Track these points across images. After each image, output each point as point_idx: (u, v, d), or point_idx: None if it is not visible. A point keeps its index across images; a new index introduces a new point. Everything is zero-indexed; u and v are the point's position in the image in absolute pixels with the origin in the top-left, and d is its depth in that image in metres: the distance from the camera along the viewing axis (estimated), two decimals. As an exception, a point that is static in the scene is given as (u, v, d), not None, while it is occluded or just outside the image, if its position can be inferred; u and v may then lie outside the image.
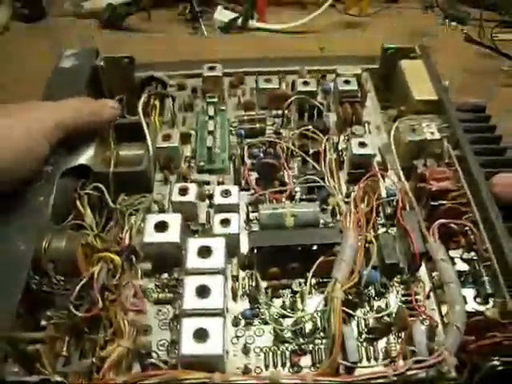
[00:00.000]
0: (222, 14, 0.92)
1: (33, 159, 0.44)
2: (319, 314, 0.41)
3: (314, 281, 0.43)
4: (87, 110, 0.48)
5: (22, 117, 0.44)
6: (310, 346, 0.40)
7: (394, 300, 0.42)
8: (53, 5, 0.99)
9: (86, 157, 0.48)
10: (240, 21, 0.91)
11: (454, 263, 0.43)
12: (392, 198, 0.47)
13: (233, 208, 0.45)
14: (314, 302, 0.41)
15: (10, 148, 0.42)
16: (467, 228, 0.45)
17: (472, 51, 0.86)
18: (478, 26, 0.88)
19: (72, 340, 0.40)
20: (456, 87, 0.69)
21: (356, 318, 0.41)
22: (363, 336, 0.41)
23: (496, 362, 0.36)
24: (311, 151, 0.51)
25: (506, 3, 0.92)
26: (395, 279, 0.44)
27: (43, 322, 0.39)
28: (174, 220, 0.43)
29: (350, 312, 0.40)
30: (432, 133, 0.51)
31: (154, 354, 0.39)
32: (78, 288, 0.40)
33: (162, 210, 0.48)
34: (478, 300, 0.42)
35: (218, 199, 0.46)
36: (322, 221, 0.47)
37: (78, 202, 0.46)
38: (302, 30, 0.91)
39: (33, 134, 0.43)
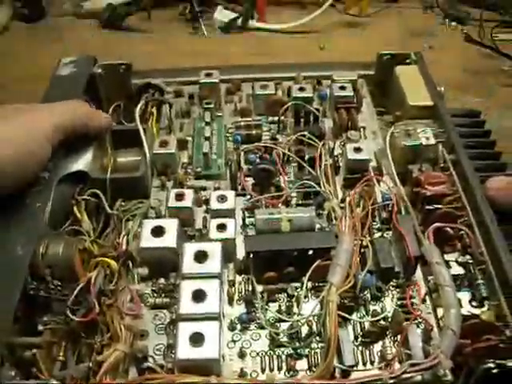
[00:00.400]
0: (222, 14, 0.93)
1: (35, 163, 0.44)
2: (315, 318, 0.41)
3: (309, 285, 0.43)
4: (84, 113, 0.49)
5: (22, 119, 0.44)
6: (306, 349, 0.40)
7: (389, 304, 0.43)
8: (53, 5, 0.99)
9: (83, 163, 0.48)
10: (240, 21, 0.92)
11: (449, 267, 0.43)
12: (387, 202, 0.48)
13: (229, 213, 0.46)
14: (309, 306, 0.42)
15: (13, 152, 0.42)
16: (462, 232, 0.45)
17: (472, 51, 0.86)
18: (478, 25, 0.88)
19: (69, 345, 0.40)
20: (456, 87, 0.69)
21: (352, 321, 0.41)
22: (359, 340, 0.41)
23: (491, 365, 0.36)
24: (307, 157, 0.51)
25: (506, 3, 0.92)
26: (391, 283, 0.44)
27: (40, 327, 0.39)
28: (171, 225, 0.44)
29: (346, 316, 0.40)
30: (427, 138, 0.51)
31: (150, 359, 0.39)
32: (75, 293, 0.40)
33: (158, 216, 0.48)
34: (474, 303, 0.42)
35: (214, 204, 0.46)
36: (317, 225, 0.47)
37: (75, 208, 0.47)
38: (302, 30, 0.92)
39: (35, 137, 0.43)
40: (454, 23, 0.93)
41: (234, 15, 0.92)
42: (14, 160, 0.42)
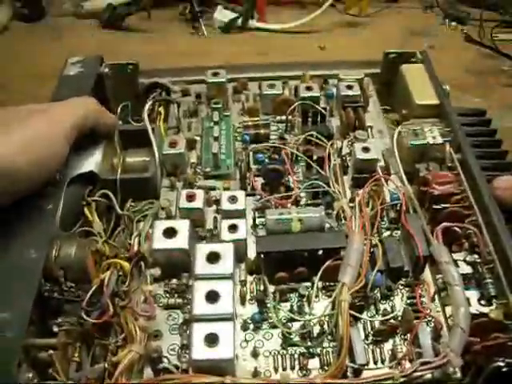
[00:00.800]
0: (222, 14, 0.93)
1: (56, 164, 0.44)
2: (326, 318, 0.41)
3: (320, 285, 0.44)
4: (95, 109, 0.49)
5: (41, 122, 0.44)
6: (318, 349, 0.41)
7: (399, 303, 0.43)
8: (53, 5, 0.99)
9: (93, 163, 0.49)
10: (240, 21, 0.92)
11: (457, 266, 0.44)
12: (396, 202, 0.48)
13: (240, 214, 0.46)
14: (320, 306, 0.42)
15: (36, 157, 0.42)
16: (470, 231, 0.45)
17: (472, 51, 0.86)
18: (478, 26, 0.88)
19: (83, 346, 0.41)
20: (456, 87, 0.69)
21: (362, 320, 0.42)
22: (370, 338, 0.41)
23: (500, 363, 0.37)
24: (315, 157, 0.52)
25: (506, 3, 0.92)
26: (400, 282, 0.44)
27: (55, 329, 0.40)
28: (183, 226, 0.44)
29: (357, 315, 0.41)
30: (434, 137, 0.51)
31: (165, 359, 0.39)
32: (89, 294, 0.40)
33: (169, 216, 0.48)
34: (482, 302, 0.42)
35: (226, 205, 0.46)
36: (327, 225, 0.47)
37: (85, 209, 0.47)
38: (302, 30, 0.92)
39: (55, 139, 0.43)
40: (454, 23, 0.94)
41: (234, 15, 0.92)
42: (37, 164, 0.42)
